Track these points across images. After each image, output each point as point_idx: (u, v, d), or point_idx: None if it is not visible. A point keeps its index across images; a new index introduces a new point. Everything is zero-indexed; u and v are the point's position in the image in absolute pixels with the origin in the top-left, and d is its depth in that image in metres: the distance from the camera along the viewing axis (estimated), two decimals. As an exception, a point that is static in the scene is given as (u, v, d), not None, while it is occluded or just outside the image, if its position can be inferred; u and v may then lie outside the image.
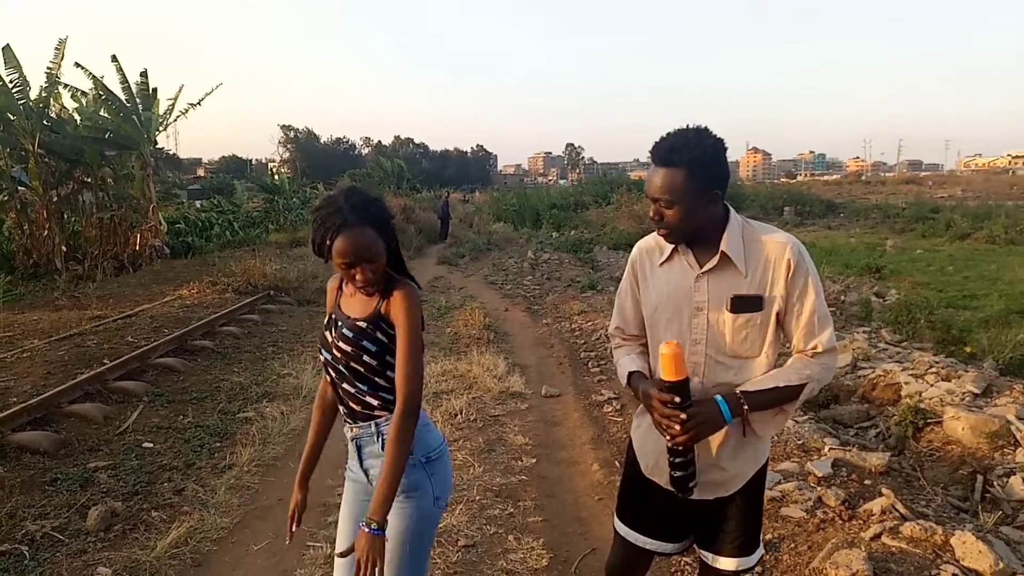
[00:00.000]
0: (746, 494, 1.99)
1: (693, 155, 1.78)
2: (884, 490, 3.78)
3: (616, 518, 2.21)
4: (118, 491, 4.41)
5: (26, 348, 7.70)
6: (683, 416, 1.78)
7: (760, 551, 2.07)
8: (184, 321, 9.18)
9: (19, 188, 15.92)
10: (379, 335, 1.97)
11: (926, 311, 8.48)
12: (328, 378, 2.11)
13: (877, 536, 3.32)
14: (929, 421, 5.02)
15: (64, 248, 15.74)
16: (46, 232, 15.62)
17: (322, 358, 2.08)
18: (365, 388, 2.01)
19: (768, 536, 3.48)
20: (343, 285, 2.08)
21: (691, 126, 1.84)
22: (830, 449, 4.44)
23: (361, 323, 1.97)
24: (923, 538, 3.26)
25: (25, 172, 15.88)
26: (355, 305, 2.02)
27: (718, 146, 1.82)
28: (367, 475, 2.10)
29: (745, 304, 1.86)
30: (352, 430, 2.08)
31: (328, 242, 1.87)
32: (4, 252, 15.95)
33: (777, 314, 1.88)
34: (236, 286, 11.78)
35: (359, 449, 2.08)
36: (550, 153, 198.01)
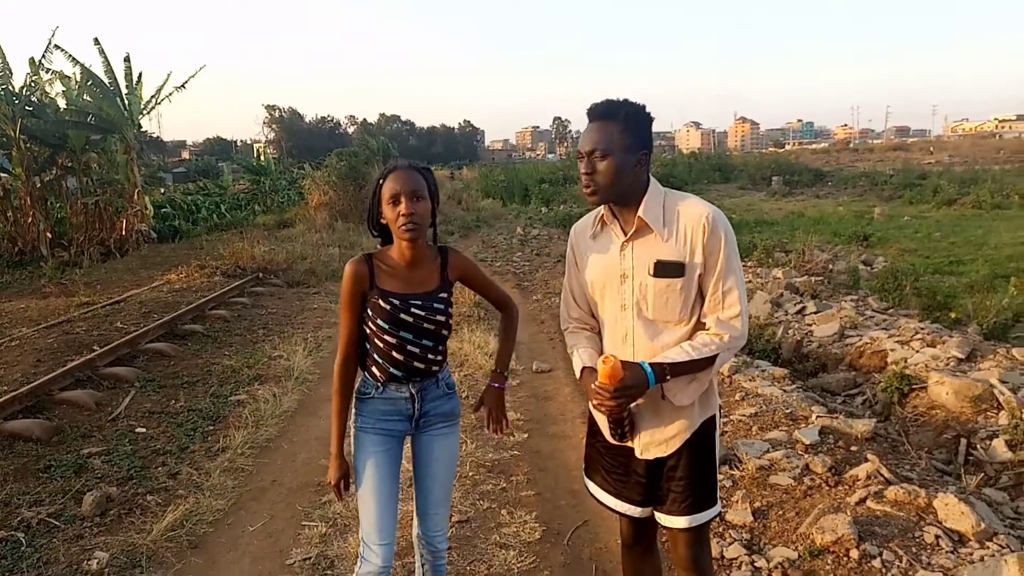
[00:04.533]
0: (692, 452, 2.07)
1: (629, 111, 1.95)
2: (870, 456, 3.84)
3: (584, 475, 2.36)
4: (112, 476, 4.43)
5: (15, 336, 7.68)
6: (622, 404, 1.93)
7: (716, 508, 2.14)
8: (173, 306, 9.16)
9: (1, 175, 15.77)
10: (450, 299, 2.29)
11: (912, 278, 8.54)
12: (399, 356, 2.22)
13: (862, 500, 3.39)
14: (914, 387, 5.09)
15: (49, 235, 15.65)
16: (31, 219, 15.51)
17: (390, 340, 2.20)
18: (441, 347, 2.31)
19: (756, 504, 3.54)
20: (374, 266, 2.21)
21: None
22: (817, 417, 4.50)
23: (443, 294, 2.26)
24: (907, 501, 3.33)
25: (8, 159, 15.72)
26: (409, 281, 2.21)
27: (647, 112, 1.99)
28: (423, 418, 2.34)
29: (667, 269, 1.95)
30: (414, 386, 2.29)
31: (381, 180, 2.16)
32: (-12, 240, 15.82)
33: (698, 280, 1.97)
34: (224, 269, 11.74)
35: (420, 398, 2.31)
36: (538, 127, 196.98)
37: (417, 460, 2.43)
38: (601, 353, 2.14)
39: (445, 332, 2.30)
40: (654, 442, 2.07)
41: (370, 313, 2.20)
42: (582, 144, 1.98)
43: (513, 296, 9.46)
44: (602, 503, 2.27)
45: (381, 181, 2.17)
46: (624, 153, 1.93)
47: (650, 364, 1.92)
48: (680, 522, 2.09)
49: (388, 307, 2.17)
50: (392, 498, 2.30)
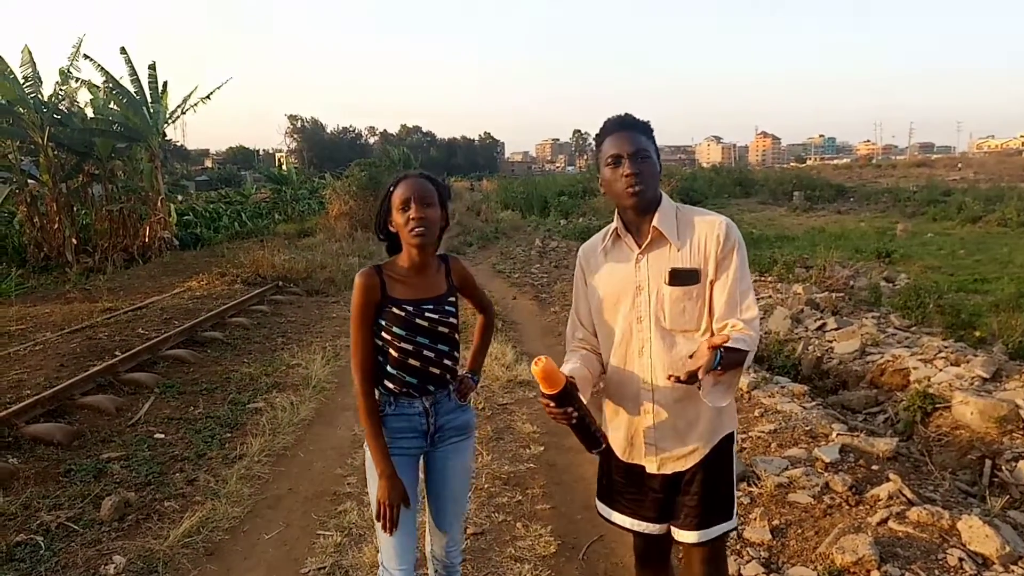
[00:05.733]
0: (709, 468, 2.06)
1: (648, 127, 2.05)
2: (891, 475, 3.79)
3: (596, 500, 2.32)
4: (131, 482, 4.47)
5: (39, 341, 7.78)
6: (570, 411, 1.88)
7: (729, 523, 2.11)
8: (194, 312, 9.25)
9: (29, 181, 16.04)
10: (457, 303, 2.33)
11: (935, 295, 8.42)
12: (415, 363, 2.22)
13: (884, 521, 3.33)
14: (938, 406, 5.01)
15: (75, 241, 15.88)
16: (57, 225, 15.75)
17: (406, 347, 2.20)
18: (455, 353, 2.32)
19: (775, 522, 3.49)
20: (384, 277, 2.22)
21: None
22: (838, 435, 4.44)
23: (451, 298, 2.30)
24: (930, 523, 3.27)
25: (35, 165, 15.99)
26: (419, 287, 2.23)
27: None
28: (438, 432, 2.32)
29: (682, 277, 1.98)
30: (428, 399, 2.28)
31: (392, 187, 2.19)
32: (16, 245, 16.10)
33: (709, 286, 1.98)
34: (245, 277, 11.86)
35: (435, 411, 2.29)
36: (558, 140, 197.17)
37: (432, 476, 2.40)
38: (593, 369, 2.12)
39: (457, 336, 2.31)
40: (672, 457, 2.06)
41: (384, 323, 2.20)
42: (621, 147, 1.98)
43: (531, 308, 9.44)
44: (617, 525, 2.24)
45: (392, 188, 2.20)
46: (656, 161, 2.02)
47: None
48: (691, 536, 2.07)
49: (403, 314, 2.18)
50: (411, 522, 2.28)
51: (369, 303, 2.19)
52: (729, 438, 2.09)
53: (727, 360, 1.80)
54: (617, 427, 2.15)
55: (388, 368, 2.24)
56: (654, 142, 2.04)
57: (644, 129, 2.03)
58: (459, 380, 2.41)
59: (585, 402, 2.02)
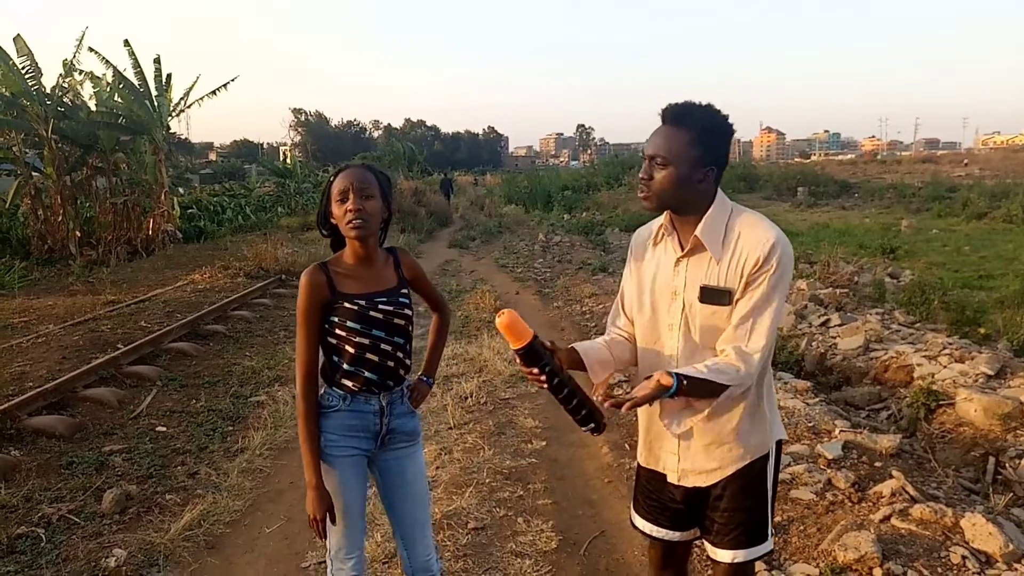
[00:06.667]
0: (740, 486, 1.96)
1: (704, 123, 1.81)
2: (894, 472, 3.77)
3: (631, 508, 2.25)
4: (133, 474, 4.47)
5: (41, 333, 7.78)
6: (536, 371, 1.80)
7: (766, 545, 2.02)
8: (196, 305, 9.26)
9: (33, 174, 16.05)
10: (410, 295, 2.26)
11: (940, 292, 8.39)
12: (373, 357, 2.17)
13: (887, 518, 3.32)
14: (941, 403, 4.99)
15: (78, 233, 15.89)
16: (61, 217, 15.76)
17: (363, 341, 2.15)
18: (408, 347, 2.26)
19: (777, 519, 3.47)
20: (331, 273, 2.16)
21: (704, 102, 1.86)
22: (841, 431, 4.42)
23: (404, 290, 2.24)
24: (933, 520, 3.26)
25: (40, 158, 16.00)
26: (369, 281, 2.18)
27: (727, 126, 1.85)
28: (388, 435, 2.28)
29: (713, 296, 1.84)
30: (384, 398, 2.24)
31: (332, 179, 2.15)
32: (19, 237, 16.10)
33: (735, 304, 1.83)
34: (248, 270, 11.87)
35: (389, 412, 2.26)
36: (561, 134, 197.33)
37: (389, 485, 2.35)
38: (617, 354, 2.04)
39: (411, 329, 2.25)
40: (693, 471, 1.98)
41: (337, 319, 2.13)
42: (647, 145, 1.86)
43: (534, 303, 9.41)
44: (637, 528, 2.19)
45: (332, 179, 2.16)
46: (688, 166, 1.80)
47: (677, 374, 1.75)
48: (724, 556, 1.99)
49: (356, 307, 2.12)
50: (362, 515, 2.28)
51: (316, 302, 2.12)
52: (765, 458, 1.97)
53: (698, 390, 1.74)
54: (645, 432, 2.09)
55: (345, 366, 2.17)
56: (703, 141, 1.80)
57: (689, 124, 1.80)
58: (412, 386, 2.35)
59: (602, 382, 1.98)
